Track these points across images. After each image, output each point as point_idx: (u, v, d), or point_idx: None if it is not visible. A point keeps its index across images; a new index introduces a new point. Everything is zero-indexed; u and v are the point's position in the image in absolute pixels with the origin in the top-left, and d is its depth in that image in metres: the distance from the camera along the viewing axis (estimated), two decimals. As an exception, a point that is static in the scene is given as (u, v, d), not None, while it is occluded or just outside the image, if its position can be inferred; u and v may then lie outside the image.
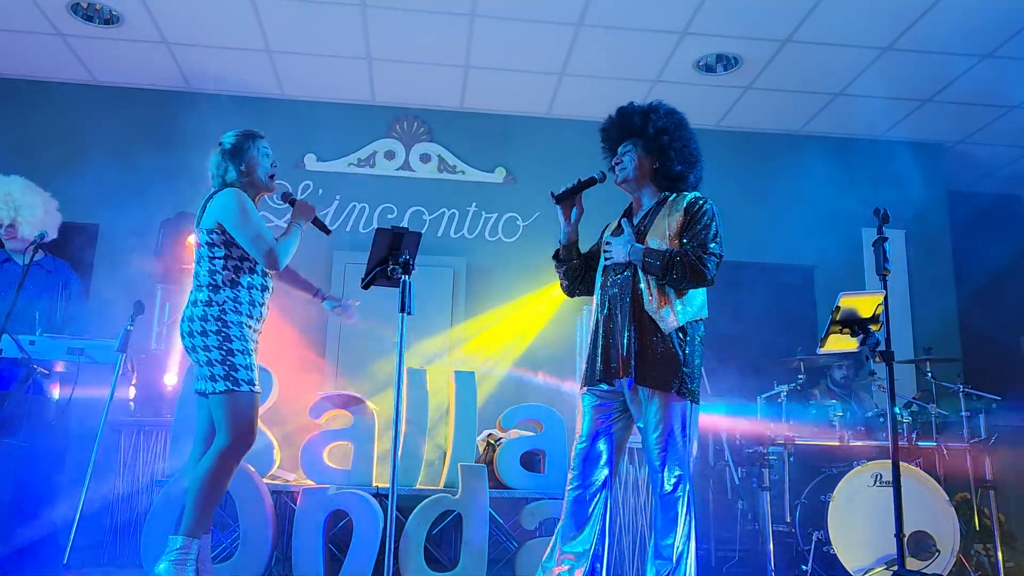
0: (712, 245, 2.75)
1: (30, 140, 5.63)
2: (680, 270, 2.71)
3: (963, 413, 4.42)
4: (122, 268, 5.00)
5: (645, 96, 5.66)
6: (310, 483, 3.83)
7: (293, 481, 4.01)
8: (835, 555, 3.93)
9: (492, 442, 4.23)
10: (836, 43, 5.07)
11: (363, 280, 2.91)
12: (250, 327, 2.97)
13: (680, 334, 2.74)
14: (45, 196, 4.16)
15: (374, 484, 3.86)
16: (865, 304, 3.22)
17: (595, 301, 2.96)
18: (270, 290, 3.09)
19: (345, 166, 6.00)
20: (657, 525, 2.70)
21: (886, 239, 3.15)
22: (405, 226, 2.94)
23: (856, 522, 3.99)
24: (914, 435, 4.37)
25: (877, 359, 3.10)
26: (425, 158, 6.06)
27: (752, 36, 5.04)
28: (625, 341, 2.76)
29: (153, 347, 4.67)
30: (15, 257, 4.08)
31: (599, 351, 2.86)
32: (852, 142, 6.32)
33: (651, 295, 2.76)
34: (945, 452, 4.39)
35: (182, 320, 2.94)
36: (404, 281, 2.78)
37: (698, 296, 2.82)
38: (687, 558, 2.66)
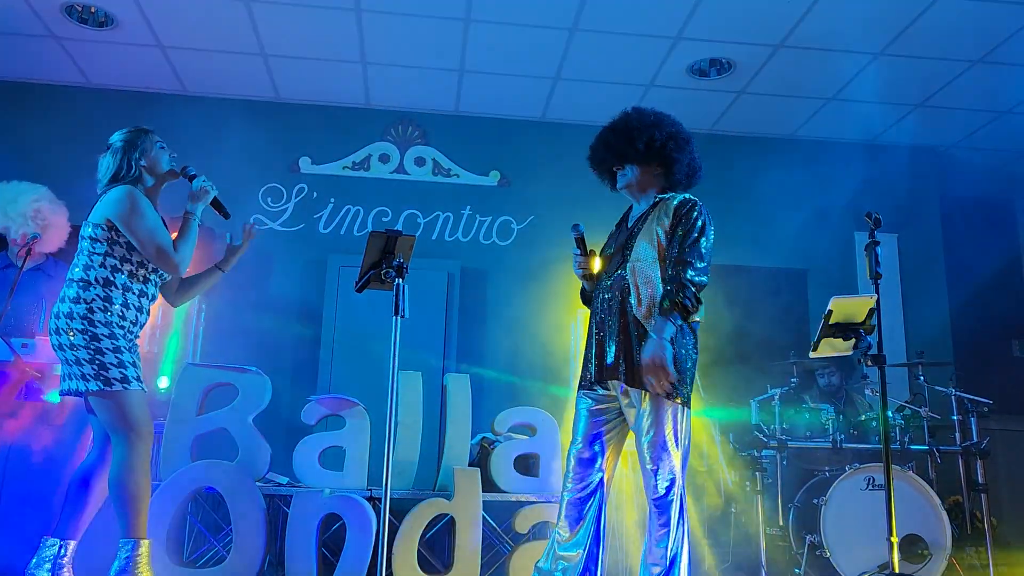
0: (691, 273, 2.68)
1: (24, 142, 5.61)
2: (676, 311, 2.67)
3: (955, 417, 4.44)
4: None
5: (639, 100, 5.71)
6: (303, 486, 3.83)
7: (286, 484, 4.00)
8: (828, 558, 3.94)
9: (486, 445, 4.23)
10: (829, 48, 5.10)
11: (357, 283, 2.91)
12: (122, 327, 2.87)
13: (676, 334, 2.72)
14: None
15: (367, 487, 3.86)
16: (857, 308, 3.23)
17: (593, 305, 2.97)
18: (150, 297, 3.01)
19: (340, 169, 6.00)
20: (650, 528, 2.71)
21: (878, 243, 3.16)
22: (399, 229, 2.94)
23: (849, 525, 4.00)
24: (906, 439, 4.38)
25: (869, 363, 3.11)
26: (420, 161, 6.07)
27: (745, 41, 5.06)
28: (616, 345, 2.76)
29: (146, 350, 4.66)
30: (17, 263, 4.08)
31: (592, 354, 2.86)
32: (845, 146, 6.35)
33: (639, 302, 2.76)
34: (937, 456, 4.40)
35: (52, 317, 2.86)
36: (398, 284, 2.78)
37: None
38: (680, 561, 2.67)
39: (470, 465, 4.00)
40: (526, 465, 4.12)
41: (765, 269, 6.07)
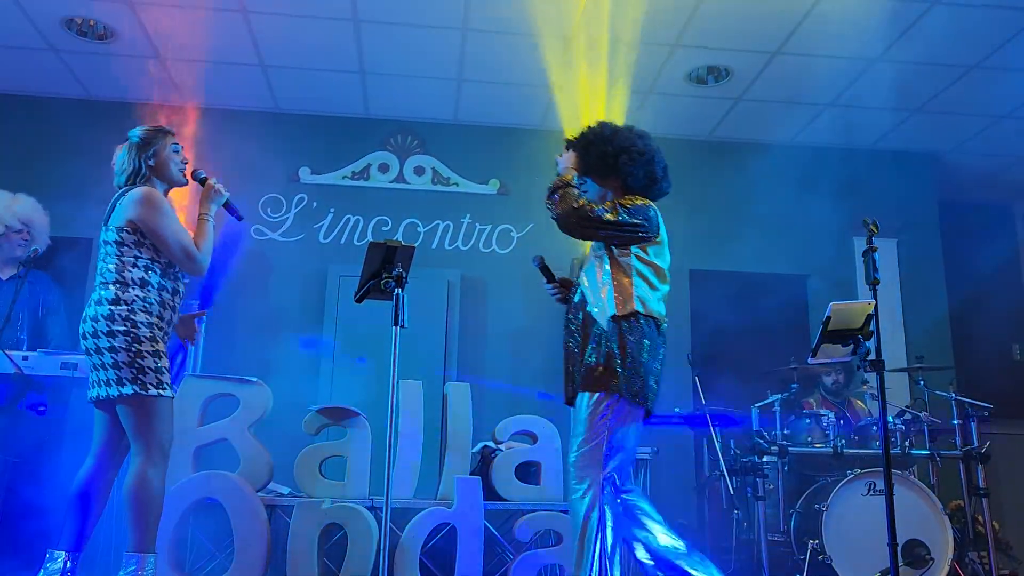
0: (605, 210, 2.77)
1: (24, 155, 5.64)
2: (562, 195, 2.80)
3: (956, 421, 4.44)
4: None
5: (639, 107, 5.73)
6: (304, 496, 3.83)
7: (287, 495, 4.01)
8: (830, 564, 3.94)
9: (487, 454, 4.24)
10: (826, 55, 5.11)
11: (357, 294, 2.92)
12: (160, 328, 2.86)
13: (612, 329, 2.72)
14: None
15: (369, 497, 3.86)
16: (856, 313, 3.24)
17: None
18: (181, 295, 3.01)
19: (339, 179, 6.01)
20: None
21: (875, 249, 3.17)
22: (399, 239, 2.95)
23: (851, 531, 4.00)
24: (907, 443, 4.39)
25: (868, 368, 3.11)
26: (419, 170, 6.08)
27: (742, 48, 5.08)
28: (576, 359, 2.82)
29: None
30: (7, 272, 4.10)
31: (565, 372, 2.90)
32: (843, 152, 6.36)
33: (591, 296, 2.81)
34: (938, 460, 4.40)
35: (84, 320, 2.82)
36: (397, 294, 2.79)
37: (628, 289, 2.78)
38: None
39: (471, 474, 4.00)
40: (527, 473, 4.12)
41: (764, 275, 6.08)
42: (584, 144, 2.97)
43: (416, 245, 3.05)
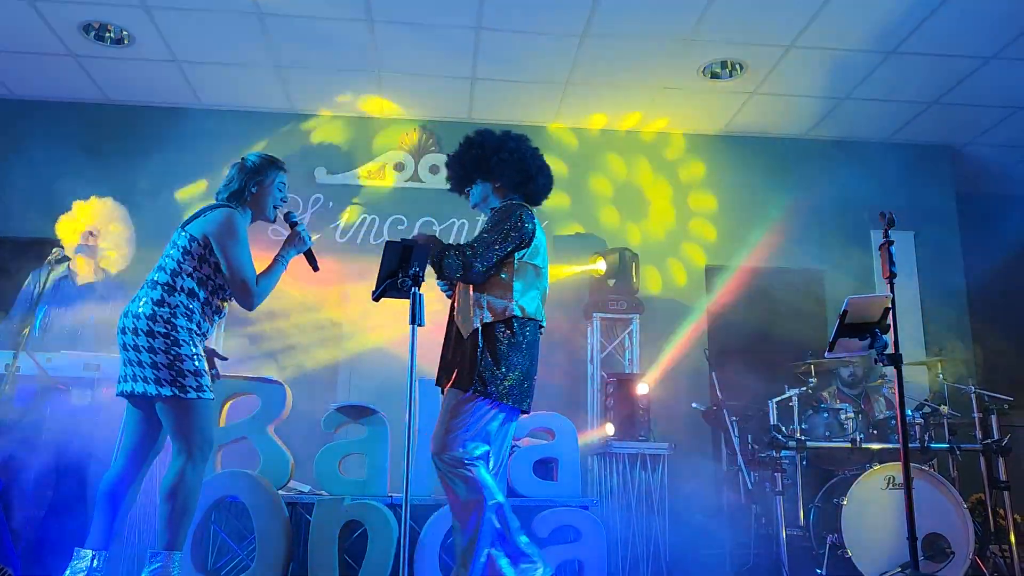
0: (467, 250, 2.92)
1: (44, 160, 5.70)
2: (453, 259, 2.91)
3: (976, 414, 4.42)
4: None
5: (652, 103, 5.73)
6: (324, 494, 3.86)
7: (307, 492, 4.04)
8: (850, 558, 3.93)
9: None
10: (840, 48, 5.09)
11: (374, 292, 2.94)
12: (198, 335, 2.91)
13: (476, 337, 2.94)
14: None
15: (388, 494, 3.88)
16: (873, 307, 3.22)
17: None
18: (223, 315, 3.10)
19: (355, 178, 6.05)
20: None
21: (892, 243, 3.15)
22: (414, 238, 2.97)
23: (870, 525, 3.98)
24: (927, 437, 4.36)
25: (886, 362, 3.10)
26: (434, 169, 6.10)
27: (756, 42, 5.06)
28: (443, 352, 3.07)
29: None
30: (74, 278, 4.16)
31: None
32: (859, 145, 6.33)
33: (458, 304, 3.04)
34: (958, 453, 4.38)
35: (125, 315, 2.86)
36: (414, 293, 2.81)
37: (502, 301, 2.99)
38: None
39: (489, 470, 4.02)
40: (545, 469, 4.14)
41: (781, 269, 6.06)
42: (459, 156, 3.20)
43: (431, 245, 3.07)
